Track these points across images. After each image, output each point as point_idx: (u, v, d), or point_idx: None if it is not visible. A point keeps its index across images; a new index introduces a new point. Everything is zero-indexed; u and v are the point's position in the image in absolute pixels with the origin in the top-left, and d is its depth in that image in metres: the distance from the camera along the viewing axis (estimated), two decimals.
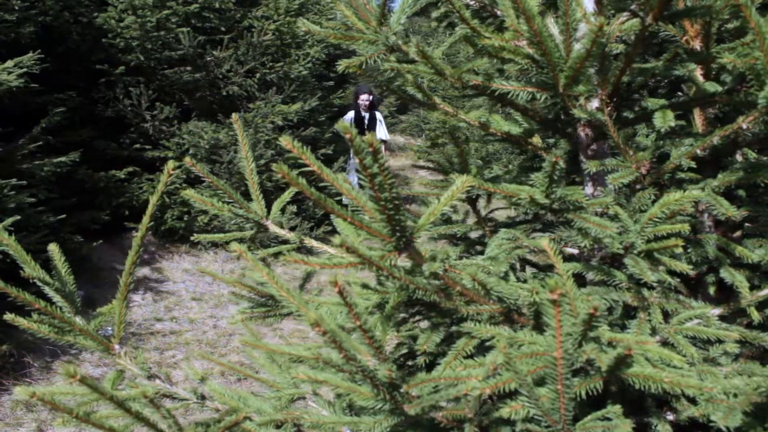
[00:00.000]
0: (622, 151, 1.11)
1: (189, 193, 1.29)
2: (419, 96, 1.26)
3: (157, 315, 4.74)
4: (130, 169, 5.50)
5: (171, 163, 1.07)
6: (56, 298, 1.14)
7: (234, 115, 1.27)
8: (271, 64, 6.19)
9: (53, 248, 1.23)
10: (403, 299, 1.00)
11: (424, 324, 1.43)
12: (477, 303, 0.97)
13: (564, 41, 0.99)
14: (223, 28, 6.05)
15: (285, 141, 0.82)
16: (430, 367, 1.39)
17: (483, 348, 1.11)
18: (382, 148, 8.46)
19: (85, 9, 5.46)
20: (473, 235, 1.73)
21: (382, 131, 8.05)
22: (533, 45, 0.95)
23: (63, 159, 4.87)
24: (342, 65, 1.14)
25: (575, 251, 1.22)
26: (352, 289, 1.81)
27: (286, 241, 1.46)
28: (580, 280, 1.15)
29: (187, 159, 1.33)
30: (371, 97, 7.96)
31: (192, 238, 1.34)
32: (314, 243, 1.33)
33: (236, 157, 5.67)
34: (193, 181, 5.86)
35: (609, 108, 1.09)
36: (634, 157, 1.11)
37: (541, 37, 0.94)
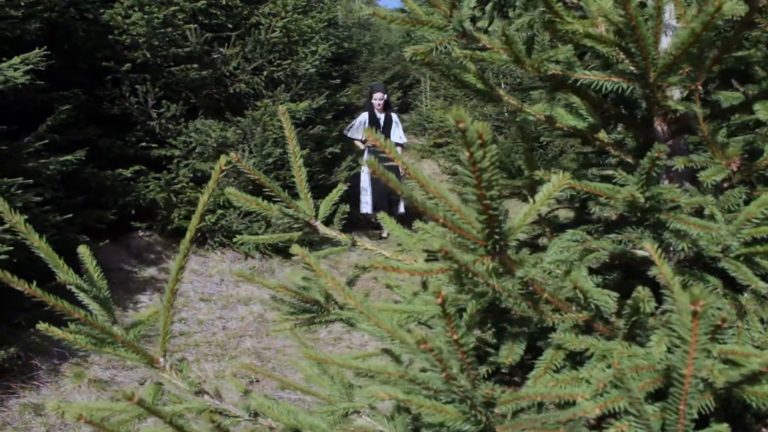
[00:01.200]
0: (710, 146, 1.03)
1: (232, 191, 1.20)
2: (480, 86, 1.18)
3: None
4: (137, 167, 5.40)
5: (223, 158, 0.98)
6: (92, 305, 1.04)
7: (281, 108, 1.18)
8: (278, 61, 6.10)
9: (84, 250, 1.14)
10: (482, 307, 0.92)
11: (476, 333, 1.34)
12: (562, 311, 0.89)
13: (653, 26, 0.91)
14: (230, 25, 5.96)
15: (368, 133, 0.74)
16: (487, 378, 1.30)
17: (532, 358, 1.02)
18: (399, 150, 7.13)
19: (90, 5, 5.37)
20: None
21: (397, 134, 7.68)
22: (626, 31, 0.87)
23: (69, 157, 4.78)
24: (408, 52, 1.06)
25: (646, 254, 1.14)
26: (397, 294, 1.72)
27: (339, 243, 1.37)
28: (654, 285, 1.07)
29: (233, 155, 1.24)
30: (385, 97, 7.62)
31: (236, 240, 1.25)
32: (367, 245, 1.24)
33: (244, 156, 5.58)
34: (200, 180, 5.77)
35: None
36: (723, 153, 1.03)
37: (636, 23, 0.86)
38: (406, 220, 7.25)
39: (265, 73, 6.10)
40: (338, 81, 7.83)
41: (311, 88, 6.65)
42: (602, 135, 1.21)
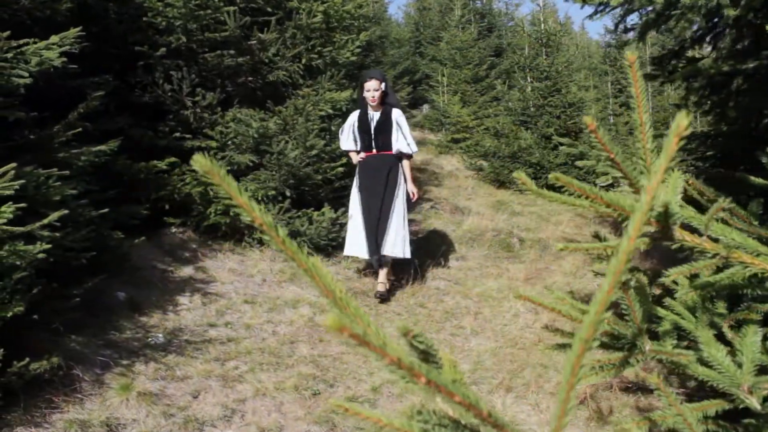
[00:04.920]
0: None
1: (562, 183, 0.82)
2: None
3: (209, 320, 4.30)
4: (172, 159, 5.04)
5: (683, 115, 0.63)
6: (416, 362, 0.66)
7: (629, 54, 0.83)
8: (318, 48, 5.74)
9: (317, 263, 0.79)
10: None
11: None
12: None
13: None
14: (268, 9, 5.60)
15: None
16: None
17: None
18: (406, 165, 5.26)
19: None
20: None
21: (400, 140, 5.19)
22: None
23: (102, 148, 4.42)
24: None
25: None
26: None
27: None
28: None
29: (589, 118, 0.89)
30: (383, 86, 5.21)
31: (558, 247, 0.89)
32: (746, 259, 0.89)
33: (287, 148, 5.22)
34: (237, 174, 5.42)
35: None
36: None
37: None
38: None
39: (302, 60, 5.75)
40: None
41: (348, 77, 6.31)
42: None
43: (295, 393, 3.53)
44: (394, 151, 5.24)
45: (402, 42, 21.27)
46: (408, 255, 5.27)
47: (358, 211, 5.25)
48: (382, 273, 5.21)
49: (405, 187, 5.30)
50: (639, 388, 4.08)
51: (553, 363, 4.34)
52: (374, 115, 5.24)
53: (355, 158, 5.36)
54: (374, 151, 5.25)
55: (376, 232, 5.13)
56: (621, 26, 4.25)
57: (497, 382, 3.97)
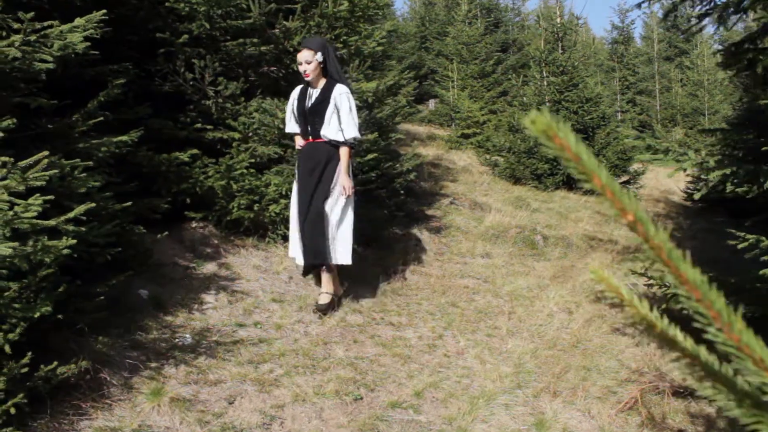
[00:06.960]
0: None
1: None
2: None
3: (238, 320, 4.09)
4: (194, 151, 4.82)
5: None
6: None
7: None
8: (344, 38, 5.52)
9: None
10: None
11: None
12: None
13: None
14: None
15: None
16: None
17: None
18: (342, 154, 4.10)
19: None
20: None
21: (332, 124, 4.20)
22: None
23: (124, 138, 4.20)
24: None
25: None
26: None
27: None
28: None
29: None
30: (319, 56, 4.19)
31: None
32: None
33: None
34: (261, 166, 5.21)
35: None
36: None
37: None
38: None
39: None
40: (393, 62, 7.24)
41: (372, 67, 6.09)
42: None
43: (336, 398, 3.32)
44: (323, 137, 4.25)
45: (408, 37, 21.05)
46: (346, 261, 4.34)
47: (293, 211, 4.48)
48: (324, 279, 4.40)
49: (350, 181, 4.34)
50: (690, 392, 3.89)
51: (596, 365, 4.15)
52: (313, 92, 4.27)
53: (298, 144, 4.47)
54: (310, 138, 4.34)
55: (304, 236, 4.32)
56: (671, 15, 4.04)
57: (542, 386, 3.77)
